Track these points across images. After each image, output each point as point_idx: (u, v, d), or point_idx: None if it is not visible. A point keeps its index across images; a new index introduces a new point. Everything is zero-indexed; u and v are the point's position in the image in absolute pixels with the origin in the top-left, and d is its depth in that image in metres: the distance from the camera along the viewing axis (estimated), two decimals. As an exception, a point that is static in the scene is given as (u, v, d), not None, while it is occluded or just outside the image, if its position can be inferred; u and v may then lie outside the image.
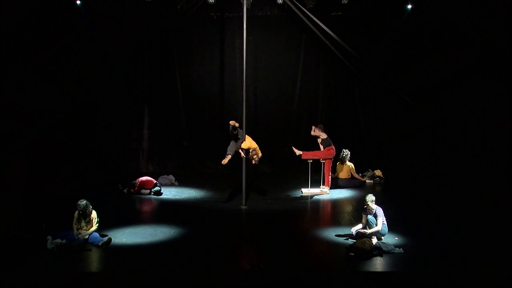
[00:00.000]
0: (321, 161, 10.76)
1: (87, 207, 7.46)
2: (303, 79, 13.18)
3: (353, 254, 6.91)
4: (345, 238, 7.64)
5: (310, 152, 10.74)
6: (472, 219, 8.69)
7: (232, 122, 9.52)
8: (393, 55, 12.37)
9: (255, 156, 9.53)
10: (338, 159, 11.67)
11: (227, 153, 9.29)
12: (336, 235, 7.81)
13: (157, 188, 10.56)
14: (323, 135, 10.81)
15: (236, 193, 10.38)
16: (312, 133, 10.92)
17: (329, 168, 10.84)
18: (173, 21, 12.53)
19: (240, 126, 9.66)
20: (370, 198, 7.49)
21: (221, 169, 9.81)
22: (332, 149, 10.69)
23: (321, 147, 10.82)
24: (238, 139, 9.52)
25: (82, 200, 7.47)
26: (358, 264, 6.68)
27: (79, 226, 7.45)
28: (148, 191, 10.50)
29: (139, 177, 10.74)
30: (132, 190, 10.55)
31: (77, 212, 7.45)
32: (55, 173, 11.12)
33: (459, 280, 6.30)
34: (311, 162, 10.65)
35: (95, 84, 12.23)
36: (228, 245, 7.49)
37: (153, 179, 10.74)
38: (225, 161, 9.23)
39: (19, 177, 9.46)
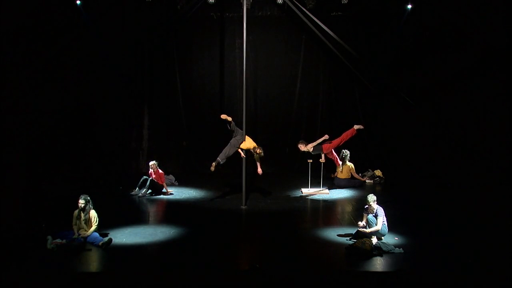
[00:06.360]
0: (321, 161, 10.79)
1: (89, 203, 7.48)
2: (303, 79, 13.16)
3: (353, 254, 6.93)
4: (345, 238, 7.65)
5: (330, 144, 10.79)
6: (472, 219, 8.69)
7: (223, 116, 9.34)
8: (393, 55, 12.37)
9: (258, 150, 9.46)
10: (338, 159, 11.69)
11: (217, 158, 9.19)
12: (336, 235, 7.81)
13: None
14: (309, 147, 10.75)
15: (236, 193, 10.38)
16: (303, 149, 10.86)
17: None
18: (173, 21, 12.53)
19: (240, 126, 9.65)
20: (372, 198, 7.51)
21: (221, 169, 9.82)
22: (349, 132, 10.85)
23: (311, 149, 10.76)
24: (235, 138, 9.47)
25: (85, 195, 7.51)
26: (358, 264, 6.69)
27: (79, 227, 7.45)
28: (146, 189, 10.48)
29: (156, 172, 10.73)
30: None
31: (77, 210, 7.46)
32: (55, 173, 11.12)
33: (459, 280, 6.30)
34: (311, 162, 10.66)
35: (95, 84, 12.23)
36: (228, 245, 7.49)
37: (163, 178, 10.76)
38: (212, 168, 9.12)
39: (19, 177, 9.45)
